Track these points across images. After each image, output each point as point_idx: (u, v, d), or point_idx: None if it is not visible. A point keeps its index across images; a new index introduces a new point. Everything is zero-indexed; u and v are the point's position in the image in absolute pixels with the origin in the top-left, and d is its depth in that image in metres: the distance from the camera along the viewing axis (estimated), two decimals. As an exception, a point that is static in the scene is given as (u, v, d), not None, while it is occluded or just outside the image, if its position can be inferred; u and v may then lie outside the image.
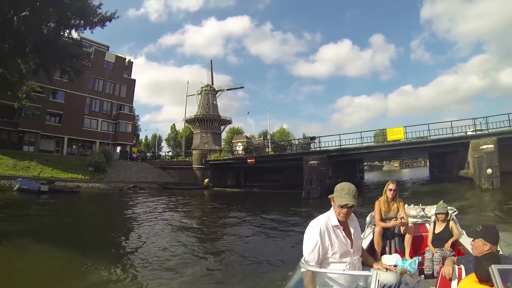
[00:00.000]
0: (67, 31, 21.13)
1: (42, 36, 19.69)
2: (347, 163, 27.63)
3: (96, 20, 20.99)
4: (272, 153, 31.98)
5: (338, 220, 2.03)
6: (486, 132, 19.16)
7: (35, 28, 19.08)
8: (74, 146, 32.56)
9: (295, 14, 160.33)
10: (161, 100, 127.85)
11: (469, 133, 20.22)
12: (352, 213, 2.12)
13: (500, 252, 2.35)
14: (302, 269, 1.93)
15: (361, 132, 23.42)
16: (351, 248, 2.06)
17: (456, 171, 20.81)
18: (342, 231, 2.04)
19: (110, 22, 20.94)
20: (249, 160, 26.20)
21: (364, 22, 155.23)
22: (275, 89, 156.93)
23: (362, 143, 23.51)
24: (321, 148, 24.41)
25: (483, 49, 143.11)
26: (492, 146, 17.27)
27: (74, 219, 12.34)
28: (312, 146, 26.45)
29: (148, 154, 40.05)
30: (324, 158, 22.83)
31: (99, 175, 25.73)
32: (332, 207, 2.08)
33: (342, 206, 1.97)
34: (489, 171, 16.60)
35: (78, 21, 20.91)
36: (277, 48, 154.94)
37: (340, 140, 23.66)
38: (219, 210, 16.38)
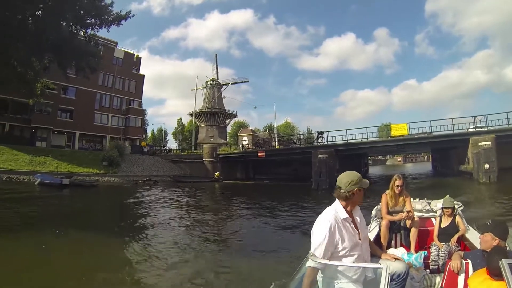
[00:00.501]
0: (83, 29, 22.36)
1: (59, 35, 20.82)
2: (352, 157, 28.85)
3: (111, 19, 22.11)
4: (278, 147, 33.48)
5: (346, 212, 2.08)
6: (485, 129, 20.30)
7: (52, 27, 20.21)
8: (84, 141, 33.50)
9: (299, 7, 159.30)
10: (164, 94, 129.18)
11: (470, 129, 21.27)
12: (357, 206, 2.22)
13: (508, 249, 2.32)
14: (310, 262, 1.95)
15: (366, 127, 24.79)
16: (359, 239, 2.09)
17: (457, 166, 22.02)
18: (351, 223, 2.08)
19: (125, 21, 22.01)
20: (259, 154, 27.38)
21: (368, 16, 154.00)
22: (279, 83, 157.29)
23: (367, 138, 24.86)
24: (329, 143, 25.68)
25: (488, 44, 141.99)
26: (490, 143, 18.47)
27: (100, 210, 13.67)
28: (320, 141, 27.92)
29: (155, 148, 41.41)
30: (332, 152, 23.94)
31: (114, 169, 26.87)
32: (336, 200, 2.12)
33: (361, 190, 2.08)
34: (487, 166, 17.96)
35: (93, 20, 22.07)
36: (280, 42, 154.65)
37: (347, 135, 24.85)
38: (232, 201, 17.29)
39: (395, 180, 3.91)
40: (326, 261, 1.89)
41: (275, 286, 3.26)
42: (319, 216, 2.07)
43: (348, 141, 24.92)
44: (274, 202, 14.85)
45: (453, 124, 21.36)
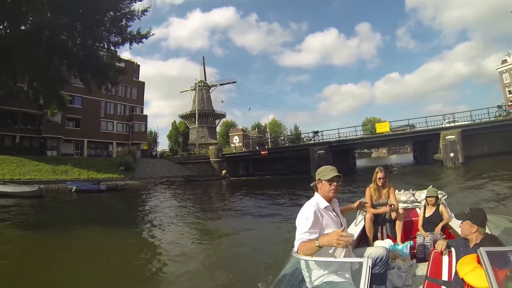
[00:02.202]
0: (107, 46, 25.54)
1: (88, 52, 23.97)
2: (342, 152, 33.64)
3: (133, 37, 25.36)
4: (271, 145, 38.22)
5: (326, 201, 2.23)
6: (453, 124, 25.88)
7: (81, 45, 23.47)
8: (91, 148, 35.99)
9: (281, 3, 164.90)
10: (148, 95, 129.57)
11: (445, 124, 26.75)
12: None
13: (490, 233, 2.50)
14: (295, 258, 2.08)
15: (355, 126, 30.13)
16: (341, 225, 2.24)
17: (432, 156, 27.23)
18: (332, 211, 2.25)
19: (146, 39, 25.44)
20: (262, 152, 31.76)
21: (350, 11, 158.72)
22: (261, 80, 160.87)
23: (356, 135, 30.39)
24: (324, 140, 30.65)
25: (468, 37, 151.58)
26: (454, 136, 23.89)
27: (146, 207, 15.95)
28: (315, 139, 33.04)
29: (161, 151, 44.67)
30: (327, 148, 28.94)
31: (131, 173, 30.01)
32: (315, 193, 2.30)
33: (331, 180, 2.21)
34: (452, 154, 23.53)
35: (117, 38, 25.31)
36: (262, 39, 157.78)
37: (339, 133, 30.31)
38: (246, 193, 19.62)
39: (377, 173, 4.07)
40: (309, 258, 1.99)
41: (262, 286, 3.58)
42: (303, 207, 2.22)
43: (340, 138, 30.17)
44: (287, 190, 18.72)
45: (426, 122, 27.13)
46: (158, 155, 37.19)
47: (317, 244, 1.90)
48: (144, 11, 23.82)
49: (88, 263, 6.06)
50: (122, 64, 28.49)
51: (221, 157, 34.37)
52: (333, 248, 2.06)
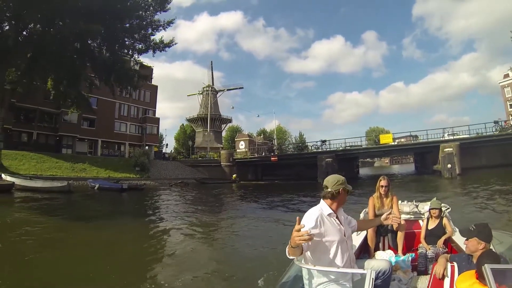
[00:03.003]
0: (132, 53, 27.70)
1: (115, 59, 26.11)
2: (347, 161, 35.83)
3: (157, 45, 27.33)
4: (277, 152, 40.67)
5: (331, 209, 2.31)
6: (452, 138, 28.39)
7: (109, 51, 25.73)
8: (104, 148, 38.01)
9: (288, 9, 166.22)
10: None
11: (446, 137, 29.10)
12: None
13: (493, 250, 2.49)
14: (296, 266, 2.20)
15: (360, 137, 32.80)
16: (345, 235, 2.31)
17: (432, 166, 29.57)
18: (336, 219, 2.32)
19: (169, 47, 27.62)
20: (272, 158, 33.97)
21: (357, 19, 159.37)
22: (267, 85, 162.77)
23: (361, 145, 32.98)
24: (331, 149, 32.93)
25: (474, 47, 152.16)
26: (452, 148, 26.18)
27: (165, 206, 17.21)
28: (323, 147, 35.57)
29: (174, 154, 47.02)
30: (334, 156, 31.19)
31: (146, 174, 31.78)
32: (321, 200, 2.37)
33: (350, 191, 2.36)
34: (449, 165, 25.84)
35: (141, 45, 27.51)
36: (269, 44, 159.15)
37: (345, 142, 32.93)
38: (258, 196, 21.23)
39: (380, 180, 4.22)
40: (311, 267, 2.12)
41: (263, 285, 3.83)
42: (306, 212, 2.30)
43: (346, 147, 32.75)
44: (297, 194, 20.24)
45: (427, 134, 29.65)
46: (170, 157, 39.36)
47: (291, 245, 2.00)
48: (170, 23, 26.25)
49: (113, 248, 7.36)
50: (147, 71, 30.83)
51: (232, 161, 36.53)
52: (332, 256, 2.19)
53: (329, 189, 2.32)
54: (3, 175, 21.15)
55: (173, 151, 53.94)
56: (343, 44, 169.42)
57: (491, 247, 2.48)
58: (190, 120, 57.98)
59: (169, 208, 15.52)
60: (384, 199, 4.23)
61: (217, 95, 57.69)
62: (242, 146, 53.71)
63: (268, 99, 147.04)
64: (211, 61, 61.65)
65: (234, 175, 35.56)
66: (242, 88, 61.18)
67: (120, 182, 26.77)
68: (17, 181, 20.30)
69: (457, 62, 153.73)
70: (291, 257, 2.10)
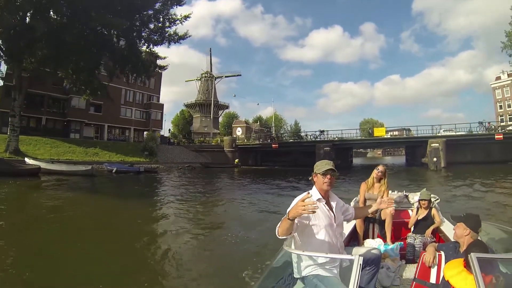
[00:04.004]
0: (148, 45, 29.95)
1: (133, 50, 28.40)
2: (342, 150, 39.25)
3: (174, 38, 28.96)
4: (276, 139, 44.00)
5: (320, 194, 2.37)
6: (439, 134, 32.26)
7: (127, 43, 28.00)
8: (110, 133, 40.25)
9: None
10: None
11: (442, 133, 32.84)
12: (333, 193, 2.49)
13: (482, 241, 2.53)
14: (286, 250, 2.22)
15: (356, 129, 36.53)
16: (334, 222, 2.36)
17: (420, 159, 33.26)
18: (325, 205, 2.37)
19: (184, 40, 29.89)
20: (273, 145, 37.25)
21: (356, 10, 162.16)
22: (262, 72, 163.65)
23: (356, 136, 36.68)
24: (329, 138, 36.28)
25: (472, 45, 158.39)
26: (438, 144, 29.78)
27: (179, 186, 19.44)
28: (315, 136, 39.15)
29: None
30: (331, 145, 34.64)
31: (154, 158, 34.31)
32: (313, 186, 2.44)
33: (325, 173, 2.34)
34: (435, 159, 29.53)
35: (157, 37, 29.72)
36: (267, 31, 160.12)
37: (342, 133, 36.37)
38: (261, 180, 23.21)
39: (378, 167, 4.57)
40: (300, 252, 2.20)
41: (247, 276, 4.09)
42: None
43: (343, 138, 36.26)
44: (296, 178, 22.11)
45: (417, 130, 33.78)
46: (175, 142, 42.28)
47: (288, 217, 2.03)
48: (186, 17, 28.62)
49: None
50: (162, 62, 32.96)
51: (234, 147, 39.67)
52: (319, 241, 2.27)
53: (309, 177, 2.47)
54: (26, 159, 22.78)
55: (169, 135, 56.39)
56: (341, 34, 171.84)
57: (479, 238, 2.56)
58: (188, 106, 60.17)
59: (181, 187, 17.96)
60: (376, 184, 4.51)
61: (215, 82, 59.84)
62: (239, 132, 56.63)
63: (263, 86, 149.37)
64: (210, 48, 63.34)
65: (236, 160, 38.76)
66: (240, 75, 63.73)
67: (134, 165, 29.19)
68: (42, 164, 21.43)
69: (454, 59, 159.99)
70: (280, 237, 2.13)
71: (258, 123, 65.45)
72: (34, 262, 4.90)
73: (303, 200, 1.99)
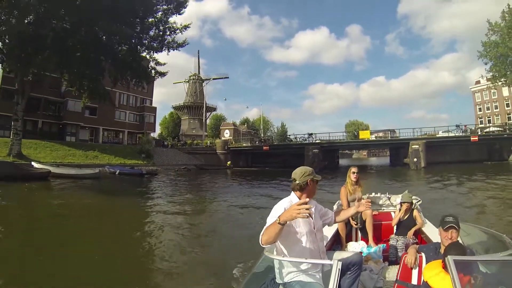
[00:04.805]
0: (147, 51, 31.71)
1: (134, 56, 30.22)
2: (329, 152, 42.45)
3: (173, 45, 30.69)
4: (262, 141, 47.01)
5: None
6: (419, 136, 35.98)
7: (130, 50, 29.89)
8: (105, 136, 41.71)
9: None
10: None
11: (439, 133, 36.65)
12: (312, 199, 2.49)
13: (460, 242, 2.66)
14: (267, 256, 2.29)
15: (343, 132, 40.03)
16: (314, 227, 2.43)
17: (402, 160, 36.79)
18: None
19: (182, 47, 31.81)
20: (264, 147, 39.96)
21: (343, 11, 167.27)
22: (248, 74, 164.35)
23: (342, 139, 40.18)
24: (316, 141, 39.51)
25: (455, 48, 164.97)
26: (418, 146, 33.38)
27: (182, 186, 22.11)
28: (304, 139, 42.38)
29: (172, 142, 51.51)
30: (319, 147, 37.70)
31: (151, 160, 36.05)
32: (291, 193, 2.50)
33: (318, 182, 2.48)
34: (415, 159, 33.05)
35: (157, 44, 31.48)
36: (253, 32, 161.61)
37: (329, 136, 39.87)
38: (253, 180, 25.47)
39: (351, 168, 4.82)
40: (280, 258, 2.29)
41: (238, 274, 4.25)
42: (276, 204, 2.39)
43: (330, 140, 39.66)
44: (286, 179, 26.88)
45: (399, 132, 37.58)
46: (169, 145, 44.51)
47: (278, 221, 2.04)
48: (186, 27, 30.88)
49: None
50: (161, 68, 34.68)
51: (226, 149, 42.20)
52: (301, 247, 2.32)
53: (297, 181, 2.45)
54: (33, 163, 23.84)
55: (164, 138, 58.03)
56: (327, 35, 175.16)
57: (459, 239, 2.64)
58: (177, 108, 62.03)
59: (184, 187, 20.35)
60: (356, 186, 4.69)
61: (203, 84, 61.89)
62: (227, 134, 58.98)
63: (248, 87, 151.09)
64: (198, 50, 65.50)
65: (228, 162, 41.16)
66: (228, 78, 65.67)
67: (134, 168, 31.04)
68: (52, 168, 22.63)
69: (438, 61, 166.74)
70: (264, 245, 2.14)
71: (246, 125, 68.04)
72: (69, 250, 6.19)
73: (299, 205, 2.02)
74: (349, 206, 4.47)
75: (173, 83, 63.24)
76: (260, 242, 2.15)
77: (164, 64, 34.15)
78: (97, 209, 11.94)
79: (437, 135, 37.03)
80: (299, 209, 2.00)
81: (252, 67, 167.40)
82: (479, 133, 37.59)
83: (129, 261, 5.79)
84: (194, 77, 61.57)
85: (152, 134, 47.48)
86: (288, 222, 2.11)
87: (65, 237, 7.25)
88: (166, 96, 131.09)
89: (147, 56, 32.33)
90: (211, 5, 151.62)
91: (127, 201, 14.66)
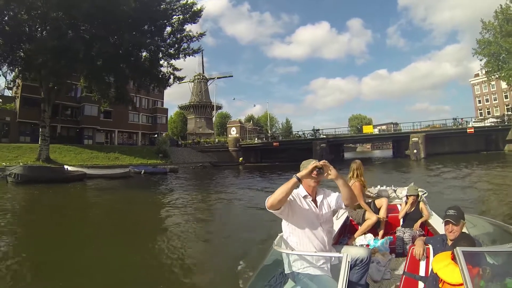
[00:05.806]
0: (164, 58, 34.42)
1: (153, 64, 33.21)
2: (335, 146, 45.89)
3: (189, 52, 33.33)
4: (269, 139, 50.56)
5: (307, 192, 2.53)
6: (419, 129, 39.40)
7: (152, 60, 32.94)
8: (119, 137, 44.47)
9: None
10: None
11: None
12: (321, 188, 2.63)
13: (469, 234, 2.75)
14: (276, 250, 2.34)
15: (347, 127, 43.68)
16: (321, 219, 2.50)
17: (404, 151, 40.20)
18: (311, 202, 2.52)
19: (197, 54, 34.99)
20: (274, 144, 43.27)
21: (343, 5, 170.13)
22: (249, 71, 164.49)
23: (347, 133, 43.90)
24: (323, 136, 42.71)
25: (457, 39, 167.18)
26: (418, 138, 36.59)
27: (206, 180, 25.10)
28: (311, 134, 46.04)
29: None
30: (326, 142, 41.03)
31: (169, 159, 38.81)
32: (300, 184, 2.51)
33: (311, 171, 2.40)
34: (415, 151, 36.26)
35: (175, 52, 33.64)
36: (253, 29, 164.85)
37: (335, 131, 43.48)
38: (267, 174, 28.26)
39: (355, 162, 4.75)
40: (289, 251, 2.37)
41: (242, 270, 4.30)
42: None
43: (336, 135, 43.27)
44: (297, 169, 29.70)
45: (397, 126, 41.23)
46: (182, 144, 48.06)
47: (296, 178, 2.23)
48: (201, 34, 33.96)
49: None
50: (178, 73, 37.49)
51: (238, 147, 45.57)
52: (307, 240, 2.43)
53: None
54: (66, 167, 25.89)
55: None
56: (328, 30, 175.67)
57: (464, 230, 2.71)
58: (183, 108, 65.17)
59: (210, 182, 22.78)
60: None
61: (208, 83, 64.95)
62: (233, 132, 61.85)
63: (250, 84, 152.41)
64: (202, 50, 67.11)
65: (240, 158, 44.42)
66: (232, 76, 68.45)
67: (157, 167, 33.85)
68: (86, 170, 24.90)
69: (440, 52, 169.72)
70: (269, 208, 2.25)
71: (251, 122, 71.35)
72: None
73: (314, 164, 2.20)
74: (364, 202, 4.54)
75: (178, 83, 65.49)
76: (266, 203, 2.26)
77: (181, 69, 37.29)
78: (143, 201, 14.06)
79: (437, 127, 40.24)
80: (315, 164, 2.26)
81: (254, 64, 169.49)
82: (470, 125, 40.40)
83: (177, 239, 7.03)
84: (198, 77, 64.11)
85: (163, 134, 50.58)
86: (290, 206, 2.37)
87: (130, 225, 9.02)
88: (171, 96, 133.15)
89: (165, 63, 35.09)
90: (211, 3, 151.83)
91: (166, 193, 16.60)
